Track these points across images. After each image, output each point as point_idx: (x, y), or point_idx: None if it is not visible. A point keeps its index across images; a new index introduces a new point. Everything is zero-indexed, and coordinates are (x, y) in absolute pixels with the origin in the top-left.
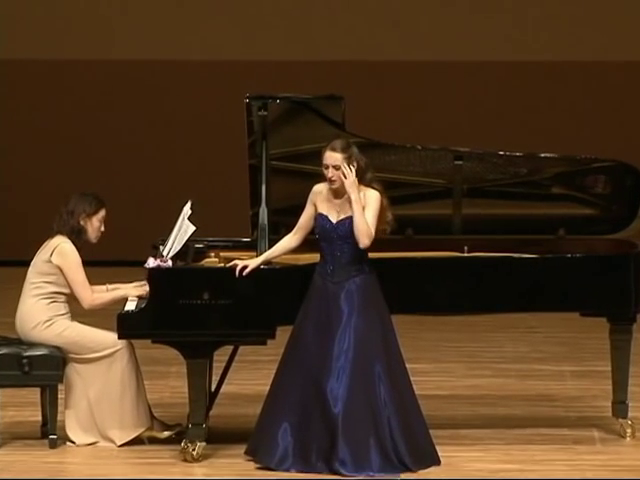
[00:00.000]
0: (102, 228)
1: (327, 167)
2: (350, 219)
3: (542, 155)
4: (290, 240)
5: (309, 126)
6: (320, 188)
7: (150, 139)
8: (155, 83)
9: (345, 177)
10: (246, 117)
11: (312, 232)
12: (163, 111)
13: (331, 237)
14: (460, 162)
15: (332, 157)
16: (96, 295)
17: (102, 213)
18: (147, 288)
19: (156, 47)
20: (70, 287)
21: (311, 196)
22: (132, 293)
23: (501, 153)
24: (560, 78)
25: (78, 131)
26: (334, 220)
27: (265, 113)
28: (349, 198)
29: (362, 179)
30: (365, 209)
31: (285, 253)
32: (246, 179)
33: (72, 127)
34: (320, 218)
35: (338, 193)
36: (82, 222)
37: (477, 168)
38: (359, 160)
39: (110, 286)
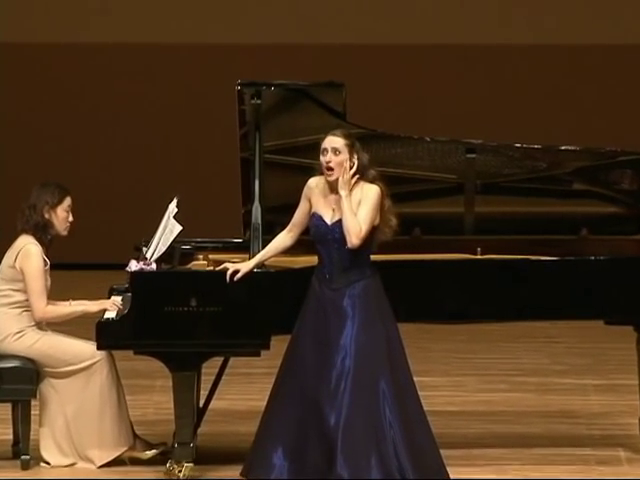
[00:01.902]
0: (70, 218)
1: (325, 152)
2: None
3: (563, 148)
4: (285, 238)
5: (307, 116)
6: (315, 182)
7: (132, 130)
8: (137, 69)
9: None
10: (237, 106)
11: (307, 232)
12: (146, 100)
13: (327, 239)
14: (473, 155)
15: (333, 140)
16: (50, 307)
17: (67, 202)
18: (111, 303)
19: (139, 29)
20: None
21: (305, 191)
22: (92, 309)
23: (518, 145)
24: (583, 63)
25: (52, 122)
26: (329, 221)
27: (258, 101)
28: (351, 195)
29: (363, 175)
30: (361, 204)
31: (280, 253)
32: (238, 174)
33: (45, 117)
34: (314, 218)
35: (335, 187)
36: (47, 215)
37: (491, 162)
38: (361, 156)
39: (74, 302)
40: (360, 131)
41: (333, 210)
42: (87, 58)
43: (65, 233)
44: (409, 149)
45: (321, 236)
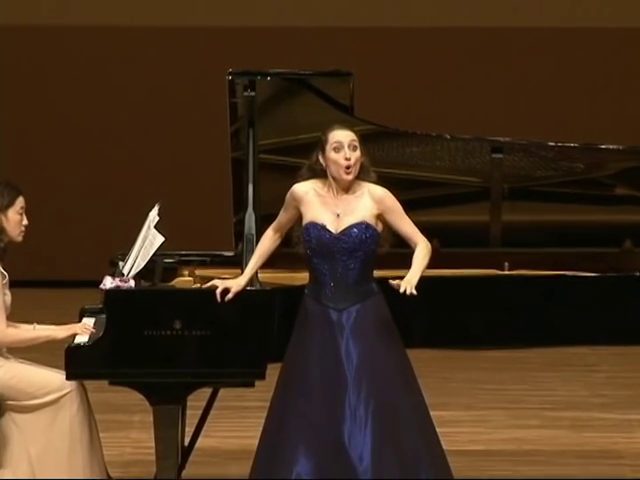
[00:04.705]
0: (25, 221)
1: (340, 147)
2: (359, 225)
3: (604, 146)
4: (273, 240)
5: (308, 110)
6: (304, 189)
7: (108, 128)
8: (114, 55)
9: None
10: (228, 99)
11: (290, 245)
12: (125, 92)
13: (331, 252)
14: (500, 155)
15: (348, 134)
16: (11, 330)
17: (20, 203)
18: (82, 327)
19: (120, 11)
20: None
21: (290, 200)
22: (59, 335)
23: (551, 144)
24: (628, 49)
25: (16, 118)
26: (334, 229)
27: (252, 93)
28: (357, 197)
29: (367, 175)
30: (398, 219)
31: (269, 256)
32: (229, 177)
33: (10, 112)
34: (314, 228)
35: (340, 189)
36: None
37: (521, 163)
38: (365, 154)
39: (39, 326)
40: (370, 127)
41: (338, 216)
42: (62, 43)
43: (20, 239)
44: (426, 148)
45: (323, 248)
